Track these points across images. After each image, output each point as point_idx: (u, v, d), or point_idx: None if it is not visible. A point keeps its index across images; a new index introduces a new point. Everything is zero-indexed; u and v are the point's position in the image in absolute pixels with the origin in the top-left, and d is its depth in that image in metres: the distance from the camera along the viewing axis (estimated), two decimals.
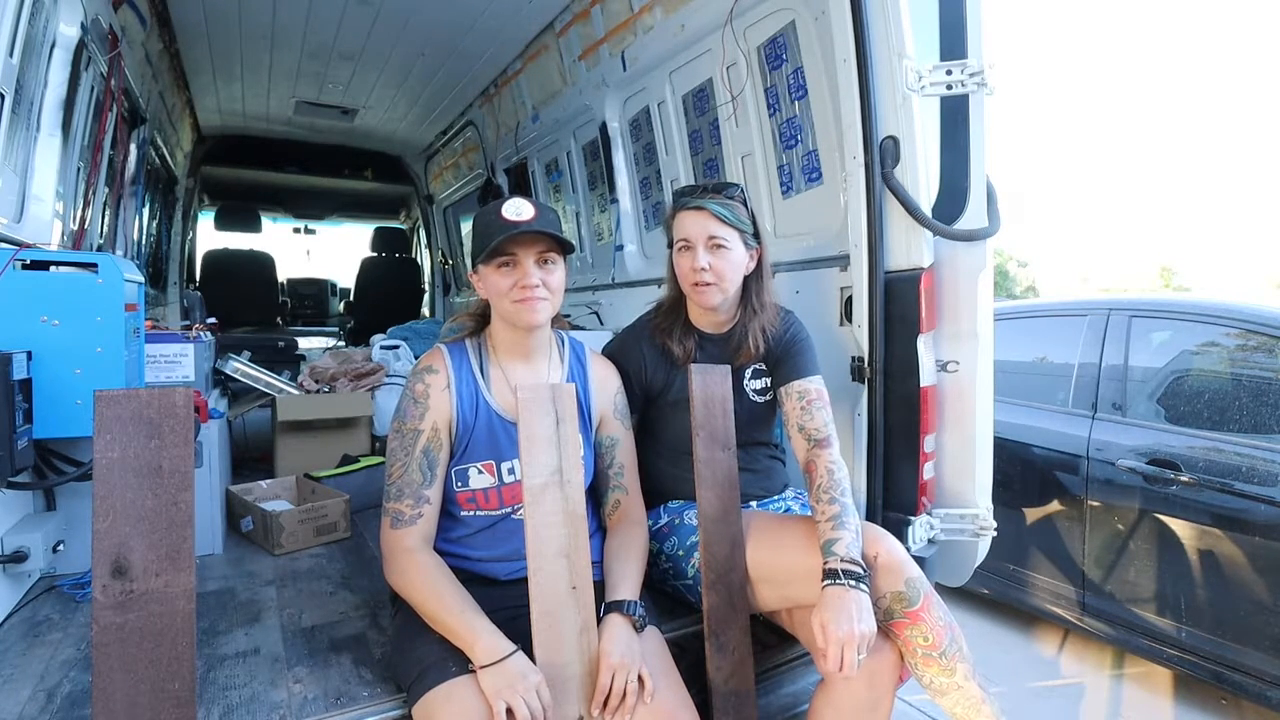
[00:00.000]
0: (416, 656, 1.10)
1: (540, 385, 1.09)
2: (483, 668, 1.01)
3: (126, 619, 0.80)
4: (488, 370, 1.29)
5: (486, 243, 1.18)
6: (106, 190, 2.51)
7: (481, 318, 1.34)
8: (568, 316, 3.03)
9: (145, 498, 0.82)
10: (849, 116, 1.61)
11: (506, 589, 1.25)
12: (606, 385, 1.39)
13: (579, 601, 1.08)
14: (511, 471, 1.26)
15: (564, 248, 1.23)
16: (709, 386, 1.31)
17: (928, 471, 1.59)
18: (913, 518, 1.56)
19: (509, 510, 1.28)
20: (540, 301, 1.20)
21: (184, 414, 0.84)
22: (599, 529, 1.37)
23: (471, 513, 1.28)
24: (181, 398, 0.84)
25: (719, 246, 1.42)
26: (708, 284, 1.42)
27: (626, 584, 1.20)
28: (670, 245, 1.51)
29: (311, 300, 6.38)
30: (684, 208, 1.45)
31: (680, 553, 1.42)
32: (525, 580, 1.23)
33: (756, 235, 1.47)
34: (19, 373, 1.32)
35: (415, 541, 1.18)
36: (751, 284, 1.49)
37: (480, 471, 1.25)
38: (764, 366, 1.54)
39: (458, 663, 1.05)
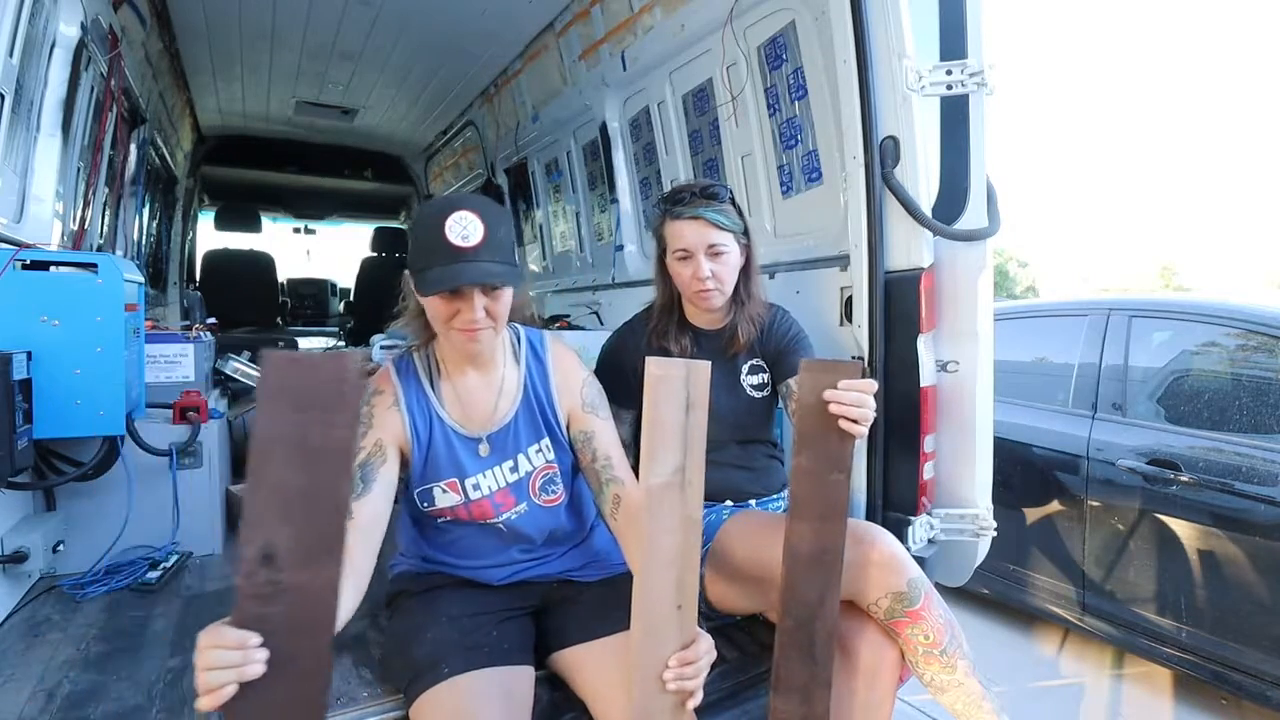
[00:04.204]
0: (409, 660, 1.11)
1: (672, 362, 0.90)
2: None
3: (271, 611, 0.72)
4: (438, 385, 1.21)
5: (424, 264, 1.05)
6: (106, 190, 2.51)
7: (427, 322, 1.18)
8: (567, 316, 3.03)
9: (300, 479, 0.74)
10: (849, 116, 1.61)
11: (500, 593, 1.24)
12: (571, 377, 1.27)
13: (682, 622, 0.94)
14: (476, 488, 1.19)
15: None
16: (821, 388, 1.03)
17: (928, 471, 1.59)
18: (913, 518, 1.56)
19: (480, 524, 1.22)
20: (483, 331, 1.09)
21: (354, 385, 0.75)
22: (595, 524, 1.37)
23: (449, 519, 1.23)
24: (351, 366, 0.75)
25: (718, 253, 1.43)
26: (711, 290, 1.44)
27: None
28: (661, 250, 1.51)
29: (311, 300, 6.37)
30: (679, 217, 1.44)
31: None
32: (520, 585, 1.23)
33: (745, 231, 1.49)
34: (19, 373, 1.32)
35: None
36: (742, 277, 1.51)
37: (445, 490, 1.19)
38: (761, 362, 1.55)
39: (450, 664, 1.05)
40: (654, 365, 0.91)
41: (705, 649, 0.94)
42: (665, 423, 0.91)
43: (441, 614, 1.17)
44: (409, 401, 1.18)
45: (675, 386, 0.91)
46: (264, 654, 0.71)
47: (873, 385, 1.03)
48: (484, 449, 1.20)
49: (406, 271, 1.14)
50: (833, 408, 1.02)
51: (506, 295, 1.11)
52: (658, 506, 0.92)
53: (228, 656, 0.70)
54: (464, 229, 1.03)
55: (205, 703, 0.69)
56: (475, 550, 1.25)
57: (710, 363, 0.93)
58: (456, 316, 1.08)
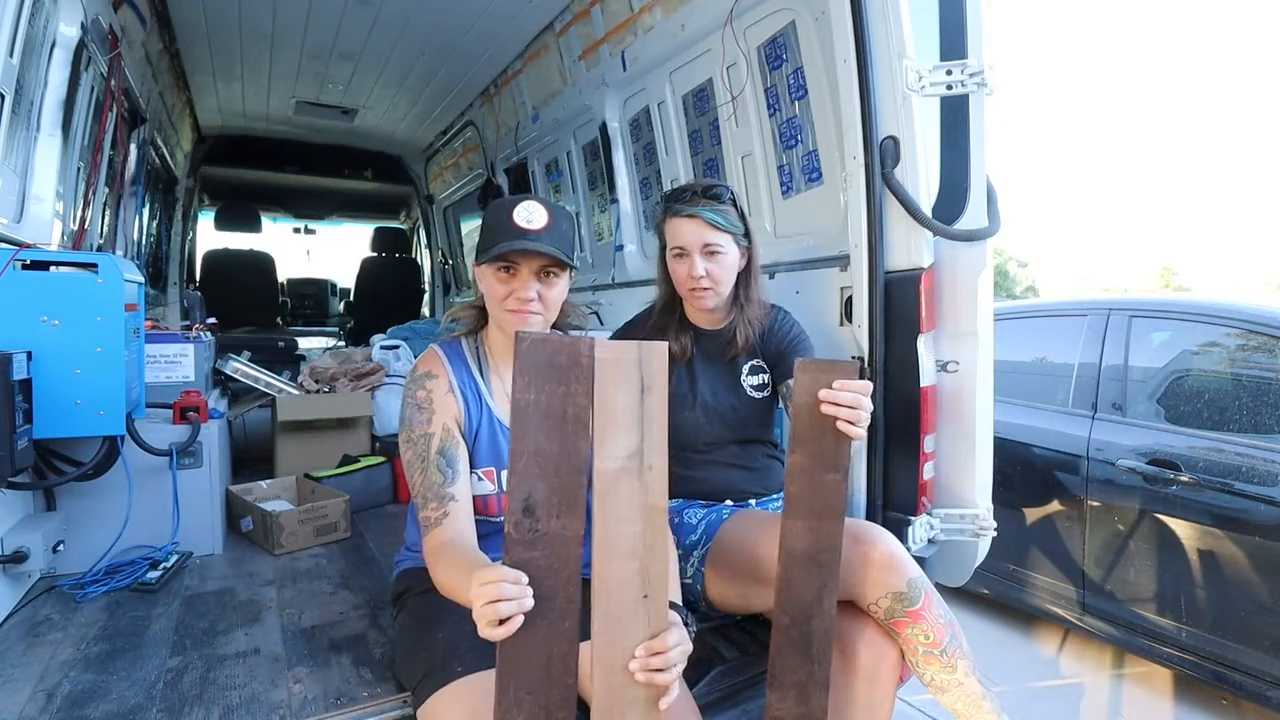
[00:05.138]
0: (421, 658, 1.10)
1: (624, 344, 0.89)
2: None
3: (532, 556, 0.83)
4: (487, 375, 1.26)
5: (490, 242, 1.14)
6: (106, 190, 2.51)
7: (482, 313, 1.29)
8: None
9: (551, 442, 0.84)
10: (849, 116, 1.61)
11: None
12: None
13: (650, 614, 0.89)
14: None
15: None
16: (816, 387, 1.03)
17: (928, 471, 1.59)
18: (913, 518, 1.56)
19: (494, 518, 1.24)
20: (532, 315, 1.16)
21: (588, 364, 0.85)
22: None
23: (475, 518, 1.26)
24: (586, 347, 0.85)
25: (714, 253, 1.43)
26: (705, 289, 1.44)
27: (670, 585, 1.15)
28: (663, 247, 1.52)
29: (311, 300, 6.37)
30: (677, 214, 1.45)
31: (679, 551, 1.42)
32: None
33: (747, 234, 1.49)
34: (19, 373, 1.32)
35: (443, 539, 1.10)
36: (742, 280, 1.51)
37: (480, 479, 1.22)
38: (761, 363, 1.55)
39: (462, 662, 1.05)
40: (602, 348, 0.87)
41: (675, 639, 0.89)
42: (616, 407, 0.88)
43: (451, 612, 1.15)
44: (461, 386, 1.22)
45: (626, 370, 0.88)
46: (530, 590, 0.80)
47: (868, 386, 1.03)
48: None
49: (476, 265, 1.23)
50: (826, 408, 1.02)
51: (559, 286, 1.19)
52: (610, 493, 0.88)
53: (512, 590, 0.79)
54: (529, 214, 1.13)
55: (500, 632, 0.78)
56: (486, 549, 1.24)
57: (667, 343, 0.91)
58: (510, 295, 1.15)
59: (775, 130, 2.07)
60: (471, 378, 1.24)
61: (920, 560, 1.40)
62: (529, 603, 0.79)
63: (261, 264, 5.32)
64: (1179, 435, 2.36)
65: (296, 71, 3.49)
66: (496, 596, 0.78)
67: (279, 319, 5.53)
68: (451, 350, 1.26)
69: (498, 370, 1.26)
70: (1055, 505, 2.69)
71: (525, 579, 0.80)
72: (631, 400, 0.88)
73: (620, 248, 2.91)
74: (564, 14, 2.86)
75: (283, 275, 5.83)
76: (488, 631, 0.78)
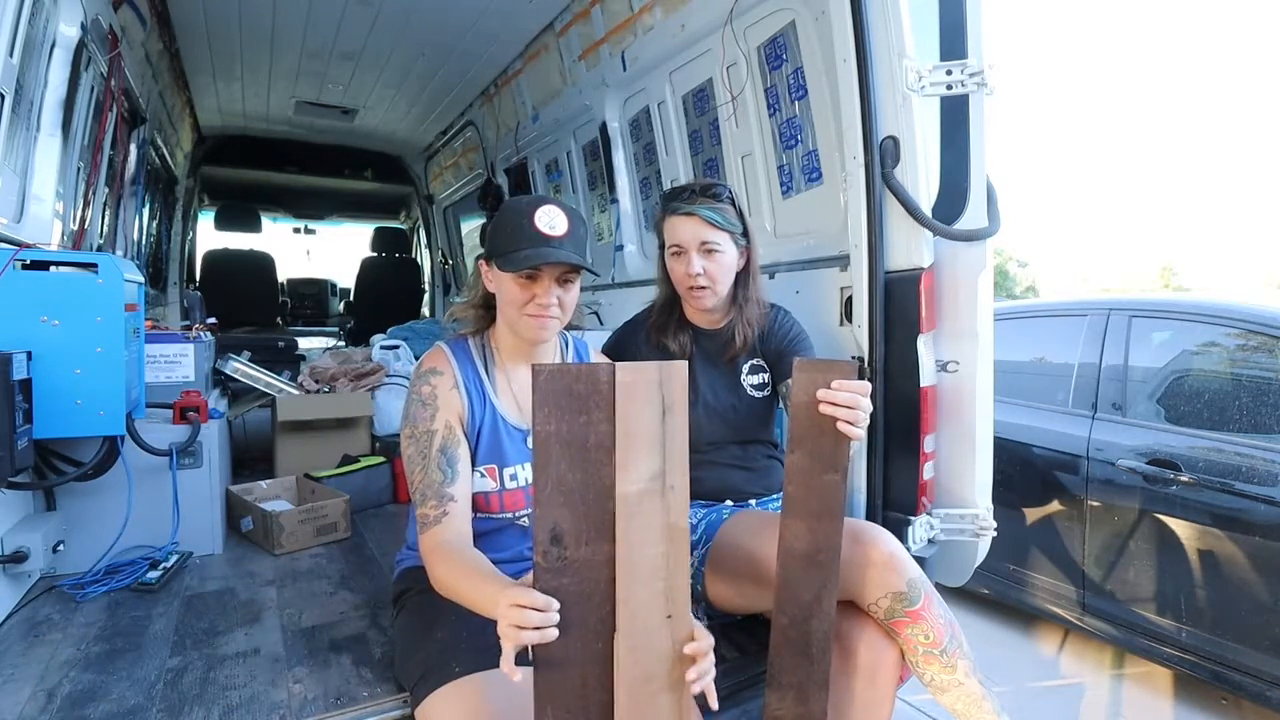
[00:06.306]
0: (419, 658, 1.10)
1: (644, 366, 0.88)
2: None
3: (562, 583, 0.84)
4: (492, 372, 1.26)
5: (510, 247, 1.13)
6: (106, 190, 2.51)
7: (487, 311, 1.30)
8: None
9: (575, 471, 0.85)
10: (849, 116, 1.61)
11: None
12: None
13: (674, 634, 0.90)
14: (514, 478, 1.23)
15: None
16: (815, 387, 1.03)
17: (928, 471, 1.59)
18: (913, 518, 1.56)
19: (510, 516, 1.25)
20: (552, 320, 1.17)
21: (608, 389, 0.85)
22: None
23: (473, 515, 1.26)
24: (605, 373, 0.86)
25: (711, 251, 1.43)
26: (702, 288, 1.44)
27: None
28: (661, 247, 1.52)
29: (311, 300, 6.37)
30: (675, 212, 1.46)
31: None
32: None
33: (745, 234, 1.49)
34: (19, 373, 1.32)
35: (442, 539, 1.10)
36: (741, 280, 1.51)
37: (482, 475, 1.22)
38: (761, 362, 1.55)
39: (461, 663, 1.05)
40: (623, 370, 0.87)
41: (708, 645, 0.91)
42: (638, 430, 0.87)
43: (450, 612, 1.15)
44: (466, 383, 1.23)
45: (648, 391, 0.88)
46: (556, 618, 0.82)
47: (866, 386, 1.03)
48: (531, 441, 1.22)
49: (479, 259, 1.24)
50: (824, 408, 1.02)
51: (575, 290, 1.20)
52: (634, 516, 0.88)
53: (535, 617, 0.80)
54: (551, 220, 1.13)
55: (508, 668, 0.79)
56: (488, 545, 1.24)
57: (686, 362, 0.90)
58: (531, 301, 1.16)
59: (775, 130, 2.07)
60: (477, 374, 1.24)
61: (920, 560, 1.40)
62: (553, 634, 0.81)
63: (261, 264, 5.32)
64: (1179, 435, 2.36)
65: (296, 71, 3.49)
66: (520, 622, 0.79)
67: (279, 319, 5.53)
68: (458, 347, 1.27)
69: (504, 368, 1.27)
70: (1055, 505, 2.68)
71: (555, 605, 0.82)
72: (653, 422, 0.88)
73: (620, 248, 2.91)
74: (564, 14, 2.86)
75: (283, 275, 5.82)
76: (508, 650, 0.79)
